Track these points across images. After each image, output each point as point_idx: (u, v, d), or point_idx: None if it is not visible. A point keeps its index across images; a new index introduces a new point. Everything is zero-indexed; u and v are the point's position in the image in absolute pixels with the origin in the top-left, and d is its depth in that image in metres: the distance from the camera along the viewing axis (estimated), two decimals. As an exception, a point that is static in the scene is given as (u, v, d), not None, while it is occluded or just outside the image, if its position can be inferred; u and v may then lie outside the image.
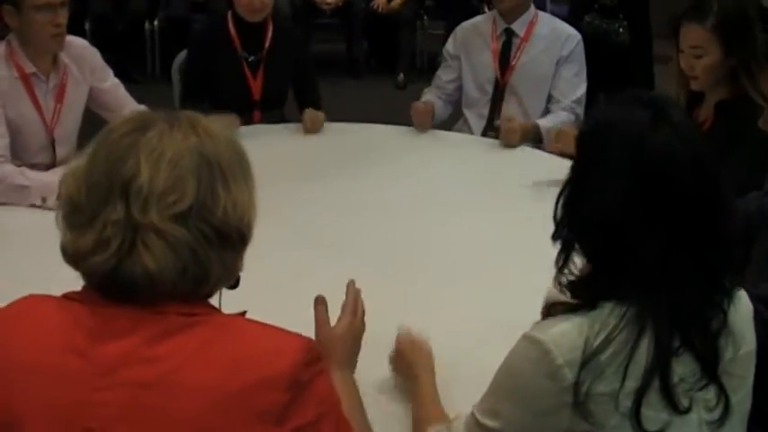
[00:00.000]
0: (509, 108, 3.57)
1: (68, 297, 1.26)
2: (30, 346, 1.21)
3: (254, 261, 1.32)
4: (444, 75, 3.72)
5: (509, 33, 3.55)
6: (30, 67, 2.86)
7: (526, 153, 3.29)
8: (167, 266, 1.18)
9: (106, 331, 1.19)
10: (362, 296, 1.71)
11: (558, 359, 1.33)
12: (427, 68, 7.35)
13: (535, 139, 3.40)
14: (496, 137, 3.40)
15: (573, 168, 1.44)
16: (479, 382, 1.46)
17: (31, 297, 1.30)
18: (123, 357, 1.17)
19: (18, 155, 2.82)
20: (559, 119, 3.46)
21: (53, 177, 2.66)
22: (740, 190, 2.37)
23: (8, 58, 2.84)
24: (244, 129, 3.27)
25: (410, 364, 1.77)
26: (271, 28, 3.43)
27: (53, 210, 2.22)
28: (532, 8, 3.58)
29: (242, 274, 1.33)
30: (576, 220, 1.42)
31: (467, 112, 3.67)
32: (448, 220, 2.63)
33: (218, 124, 1.29)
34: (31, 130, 2.90)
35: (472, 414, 1.47)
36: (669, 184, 1.34)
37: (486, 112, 3.62)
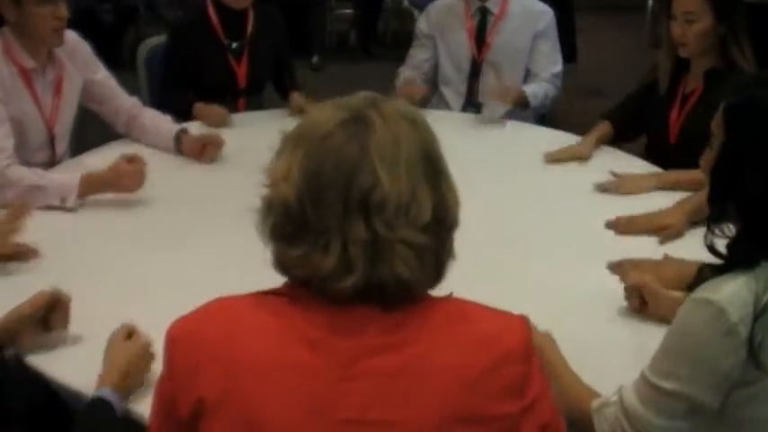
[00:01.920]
0: (486, 83, 3.61)
1: (269, 294, 1.24)
2: (258, 345, 1.19)
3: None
4: (419, 54, 3.75)
5: (483, 11, 3.61)
6: (28, 62, 2.73)
7: (510, 127, 3.37)
8: (418, 272, 1.18)
9: (337, 327, 1.18)
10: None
11: (733, 317, 1.44)
12: (338, 49, 7.40)
13: (521, 104, 3.47)
14: (477, 112, 3.46)
15: (727, 141, 1.56)
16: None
17: (224, 299, 1.27)
18: (361, 348, 1.17)
19: (18, 153, 2.69)
20: (542, 88, 3.56)
21: (69, 177, 2.57)
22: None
23: (5, 52, 2.70)
24: (234, 117, 3.25)
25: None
26: (252, 13, 3.38)
27: (72, 210, 2.18)
28: None
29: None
30: (737, 191, 1.52)
31: (444, 90, 3.71)
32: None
33: (403, 105, 1.26)
34: (32, 128, 2.78)
35: (643, 379, 1.55)
36: None
37: (463, 89, 3.67)
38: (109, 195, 2.57)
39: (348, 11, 7.54)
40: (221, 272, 2.13)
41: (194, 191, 2.74)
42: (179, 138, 2.91)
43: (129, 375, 1.70)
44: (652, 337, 1.67)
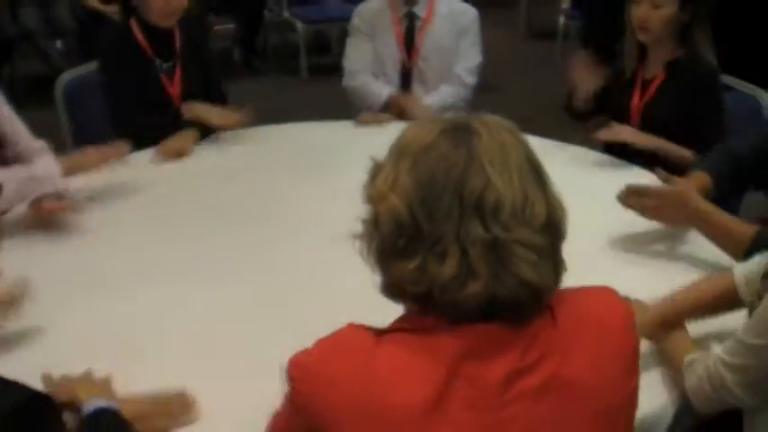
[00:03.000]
0: (418, 89, 3.62)
1: (390, 331, 1.19)
2: (402, 388, 1.13)
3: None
4: (361, 44, 3.66)
5: (410, 16, 3.59)
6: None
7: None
8: (542, 274, 1.16)
9: (480, 350, 1.15)
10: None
11: None
12: (222, 66, 7.26)
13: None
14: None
15: None
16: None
17: (347, 339, 1.20)
18: (511, 371, 1.15)
19: None
20: (442, 95, 3.57)
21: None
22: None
23: None
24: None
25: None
26: (178, 31, 3.25)
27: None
28: None
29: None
30: None
31: None
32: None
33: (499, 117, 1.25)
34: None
35: (731, 341, 1.56)
36: None
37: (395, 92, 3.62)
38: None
39: (229, 26, 7.42)
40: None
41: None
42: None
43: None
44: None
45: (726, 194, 2.43)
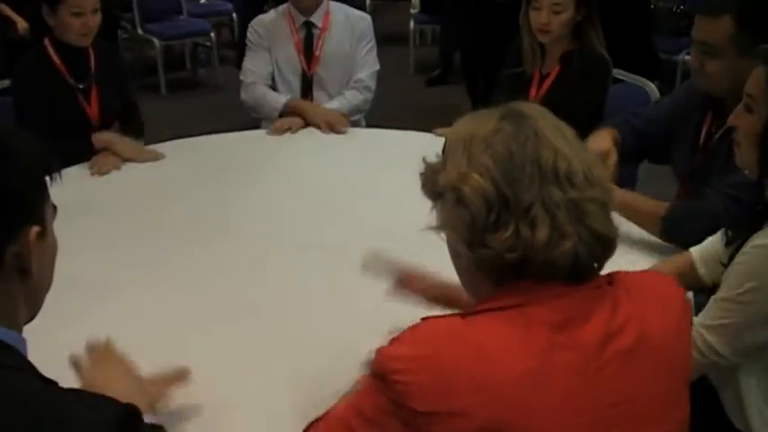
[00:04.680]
0: (318, 97, 3.78)
1: (485, 310, 1.27)
2: (508, 362, 1.20)
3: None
4: (259, 59, 3.77)
5: (308, 25, 3.75)
6: None
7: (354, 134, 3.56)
8: (611, 226, 1.31)
9: (571, 320, 1.25)
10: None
11: None
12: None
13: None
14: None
15: None
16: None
17: (437, 323, 1.26)
18: (603, 334, 1.25)
19: None
20: (351, 99, 3.75)
21: None
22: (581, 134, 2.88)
23: None
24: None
25: None
26: (92, 52, 3.30)
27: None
28: None
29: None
30: None
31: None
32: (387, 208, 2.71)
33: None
34: None
35: (711, 305, 1.79)
36: None
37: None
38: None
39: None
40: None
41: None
42: None
43: None
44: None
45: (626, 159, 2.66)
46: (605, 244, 1.30)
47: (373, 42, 3.88)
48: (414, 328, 1.25)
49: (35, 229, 1.19)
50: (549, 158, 1.26)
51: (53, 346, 1.47)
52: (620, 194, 2.20)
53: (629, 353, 1.26)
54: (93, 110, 3.28)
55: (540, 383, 1.20)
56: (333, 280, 2.24)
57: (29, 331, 1.24)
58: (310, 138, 3.50)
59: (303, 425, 1.39)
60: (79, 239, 2.35)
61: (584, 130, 2.76)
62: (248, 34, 3.82)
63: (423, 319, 1.26)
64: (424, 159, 1.37)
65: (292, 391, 1.76)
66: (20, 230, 1.18)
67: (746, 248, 1.74)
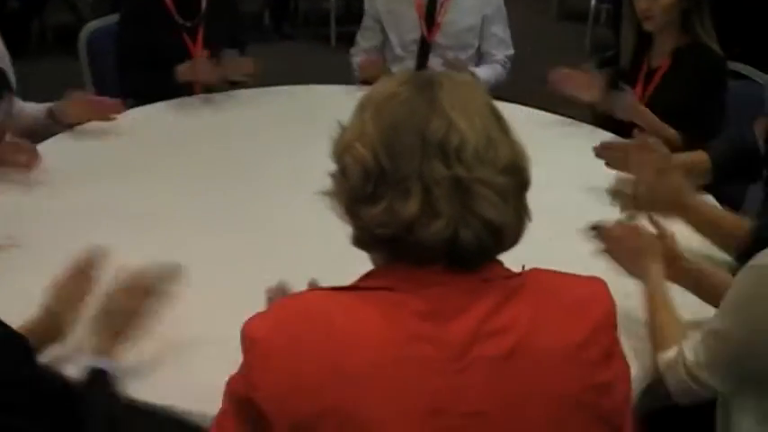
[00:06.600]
0: (434, 64, 3.65)
1: (356, 288, 1.21)
2: (364, 348, 1.13)
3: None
4: (365, 41, 3.78)
5: (432, -9, 3.62)
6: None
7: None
8: (504, 215, 1.17)
9: (441, 312, 1.15)
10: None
11: None
12: (252, 30, 7.30)
13: None
14: None
15: None
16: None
17: (307, 296, 1.25)
18: (472, 334, 1.15)
19: None
20: (495, 72, 3.65)
21: None
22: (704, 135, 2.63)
23: None
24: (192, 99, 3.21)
25: (636, 252, 1.84)
26: (205, -10, 3.32)
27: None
28: None
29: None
30: None
31: (393, 69, 3.72)
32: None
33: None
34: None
35: (701, 335, 1.61)
36: None
37: (412, 68, 3.68)
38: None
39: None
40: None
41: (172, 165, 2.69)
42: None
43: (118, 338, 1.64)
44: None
45: (724, 178, 2.45)
46: (494, 232, 1.17)
47: (506, 22, 3.73)
48: (280, 303, 1.24)
49: None
50: (439, 131, 1.15)
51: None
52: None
53: (499, 360, 1.14)
54: (197, 51, 3.30)
55: (390, 375, 1.12)
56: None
57: None
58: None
59: None
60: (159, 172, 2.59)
61: (702, 133, 2.65)
62: (367, 2, 3.78)
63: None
64: (338, 123, 1.27)
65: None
66: None
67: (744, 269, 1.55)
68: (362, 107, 1.22)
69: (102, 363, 1.58)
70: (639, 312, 1.79)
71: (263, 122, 3.09)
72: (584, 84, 3.01)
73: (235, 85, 3.36)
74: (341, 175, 1.21)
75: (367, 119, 1.19)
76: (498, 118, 1.22)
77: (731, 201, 2.53)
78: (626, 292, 1.64)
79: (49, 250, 1.98)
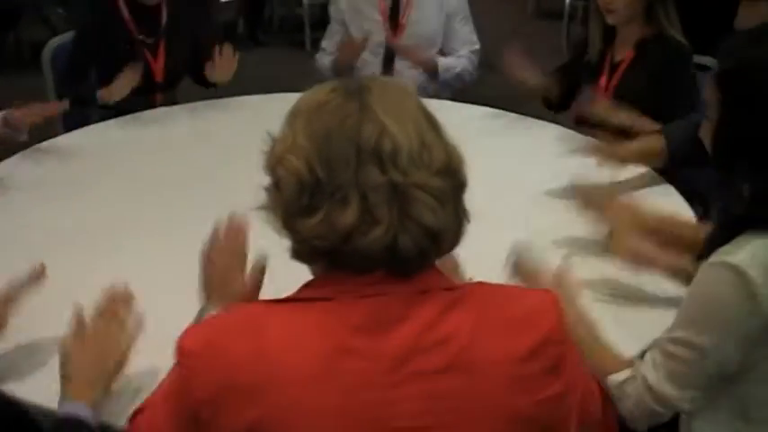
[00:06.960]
0: (401, 66, 3.65)
1: (294, 299, 1.20)
2: (296, 360, 1.12)
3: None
4: (331, 46, 3.76)
5: (394, -8, 3.61)
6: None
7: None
8: (442, 218, 1.16)
9: (377, 323, 1.14)
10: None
11: (756, 279, 1.41)
12: (226, 38, 7.25)
13: (428, 71, 3.62)
14: None
15: (725, 108, 1.54)
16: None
17: (243, 308, 1.26)
18: (409, 347, 1.13)
19: None
20: (460, 63, 3.65)
21: None
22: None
23: None
24: (150, 113, 3.18)
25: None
26: (164, 7, 3.28)
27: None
28: None
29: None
30: (742, 155, 1.51)
31: (360, 74, 3.70)
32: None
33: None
34: None
35: (659, 349, 1.54)
36: None
37: (378, 73, 3.65)
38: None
39: (234, -2, 7.43)
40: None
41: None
42: None
43: (97, 383, 1.52)
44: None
45: (681, 162, 2.43)
46: (432, 236, 1.15)
47: (469, 18, 3.72)
48: (217, 315, 1.27)
49: None
50: (372, 136, 1.13)
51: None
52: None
53: (437, 375, 1.13)
54: (158, 66, 3.29)
55: (321, 388, 1.11)
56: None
57: None
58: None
59: None
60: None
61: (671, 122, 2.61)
62: (331, 4, 3.77)
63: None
64: (268, 134, 1.25)
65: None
66: None
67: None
68: (292, 117, 1.20)
69: (75, 408, 1.47)
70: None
71: (232, 132, 3.04)
72: (527, 67, 3.06)
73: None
74: (275, 189, 1.19)
75: (298, 129, 1.17)
76: (431, 120, 1.20)
77: (689, 183, 2.53)
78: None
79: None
